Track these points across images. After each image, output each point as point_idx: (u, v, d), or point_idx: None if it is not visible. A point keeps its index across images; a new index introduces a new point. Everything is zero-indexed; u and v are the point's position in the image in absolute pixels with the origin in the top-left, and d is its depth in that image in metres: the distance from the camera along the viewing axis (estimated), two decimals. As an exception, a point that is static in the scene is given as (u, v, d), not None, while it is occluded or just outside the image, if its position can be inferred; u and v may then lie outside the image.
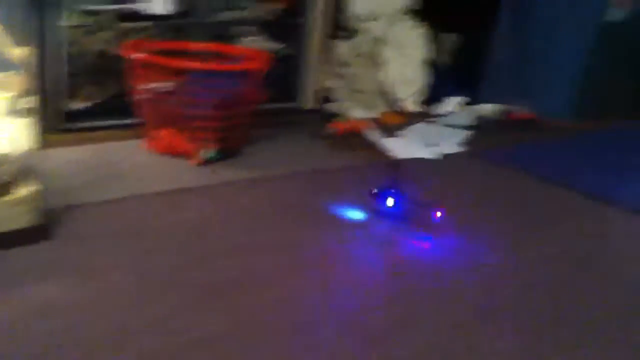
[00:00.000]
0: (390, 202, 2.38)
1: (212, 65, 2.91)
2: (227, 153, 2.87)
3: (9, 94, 2.44)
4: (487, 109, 4.16)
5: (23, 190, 1.96)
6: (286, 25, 3.70)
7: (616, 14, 4.07)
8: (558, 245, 2.35)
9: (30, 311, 1.63)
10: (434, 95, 4.12)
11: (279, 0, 3.68)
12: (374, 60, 3.94)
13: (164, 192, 2.49)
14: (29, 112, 2.67)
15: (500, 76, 4.38)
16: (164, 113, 2.82)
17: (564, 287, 2.04)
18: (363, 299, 1.86)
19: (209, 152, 2.78)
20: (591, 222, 2.62)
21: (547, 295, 1.97)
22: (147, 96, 2.83)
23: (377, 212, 2.40)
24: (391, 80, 3.95)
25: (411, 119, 3.85)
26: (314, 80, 3.84)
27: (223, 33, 3.44)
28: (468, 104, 4.20)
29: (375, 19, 3.86)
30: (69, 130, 3.02)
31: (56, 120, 2.99)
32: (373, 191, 2.42)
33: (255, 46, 3.44)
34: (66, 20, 2.95)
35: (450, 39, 4.57)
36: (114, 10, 3.11)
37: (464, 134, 3.65)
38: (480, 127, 3.83)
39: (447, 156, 3.29)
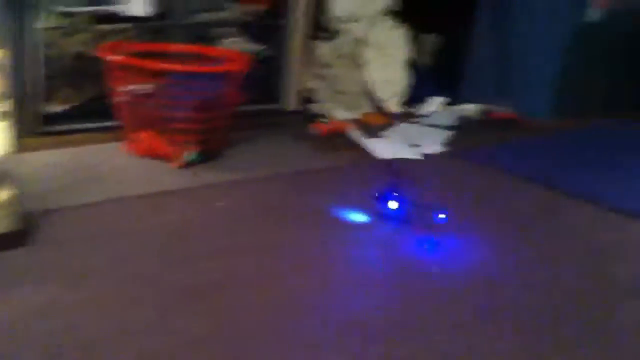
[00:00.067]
0: (393, 204, 2.36)
1: (191, 67, 2.88)
2: (208, 155, 2.85)
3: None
4: (468, 109, 4.20)
5: (0, 195, 1.92)
6: (267, 27, 3.69)
7: (594, 14, 4.12)
8: (552, 245, 2.36)
9: (11, 317, 1.59)
10: (415, 95, 4.13)
11: (260, 1, 3.67)
12: (355, 62, 3.94)
13: (144, 195, 2.46)
14: (4, 115, 2.62)
15: (481, 76, 4.42)
16: (144, 115, 2.79)
17: (562, 286, 2.06)
18: (350, 299, 1.86)
19: (190, 154, 2.75)
20: (576, 221, 2.64)
21: (547, 295, 1.98)
22: (126, 98, 2.80)
23: (380, 214, 2.38)
24: (373, 81, 3.96)
25: (393, 119, 3.86)
26: (296, 81, 3.83)
27: (203, 34, 3.42)
28: (449, 104, 4.22)
29: (356, 21, 3.87)
30: (47, 134, 2.97)
31: (33, 123, 2.94)
32: (376, 194, 2.40)
33: (236, 48, 3.42)
34: (42, 22, 2.90)
35: (431, 40, 4.60)
36: (90, 12, 3.07)
37: (446, 134, 3.67)
38: (462, 127, 3.86)
39: (429, 156, 3.30)
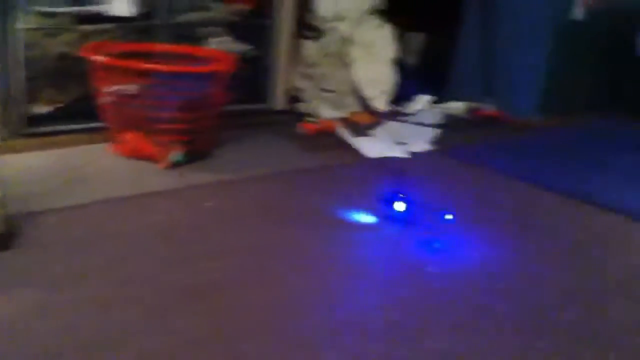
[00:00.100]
0: (400, 206, 2.34)
1: (175, 67, 2.87)
2: (195, 156, 2.83)
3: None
4: (454, 107, 4.21)
5: (-18, 198, 1.90)
6: (253, 26, 3.68)
7: (578, 13, 4.16)
8: (536, 241, 2.38)
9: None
10: (402, 94, 4.14)
11: (245, 0, 3.66)
12: (342, 61, 3.94)
13: (130, 197, 2.44)
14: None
15: (467, 74, 4.44)
16: (129, 116, 2.77)
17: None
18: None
19: (176, 155, 2.73)
20: (560, 217, 2.66)
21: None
22: (111, 99, 2.77)
23: (385, 216, 2.36)
24: (360, 80, 3.96)
25: (381, 118, 3.86)
26: (283, 81, 3.83)
27: (189, 34, 3.41)
28: (436, 102, 4.24)
29: (341, 20, 3.87)
30: (32, 135, 2.94)
31: (18, 125, 2.91)
32: (381, 196, 2.38)
33: (223, 48, 3.41)
34: (25, 23, 2.87)
35: (417, 39, 4.61)
36: (74, 12, 3.04)
37: (433, 132, 3.68)
38: (448, 125, 3.87)
39: (416, 155, 3.31)
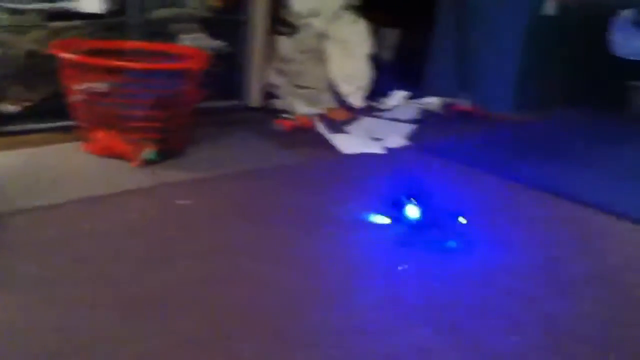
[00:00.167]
0: (412, 210, 2.30)
1: (147, 65, 2.83)
2: (168, 154, 2.80)
3: None
4: (430, 102, 4.24)
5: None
6: (228, 23, 3.65)
7: (549, 7, 4.21)
8: (517, 236, 2.39)
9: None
10: (377, 89, 4.15)
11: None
12: (317, 57, 3.93)
13: (103, 196, 2.41)
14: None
15: (442, 70, 4.46)
16: (100, 114, 2.73)
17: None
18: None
19: (149, 153, 2.70)
20: (535, 212, 2.68)
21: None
22: (81, 97, 2.73)
23: (400, 221, 2.32)
24: (335, 76, 3.96)
25: (356, 114, 3.87)
26: (258, 77, 3.80)
27: (161, 31, 3.36)
28: (411, 98, 4.26)
29: (316, 15, 3.86)
30: (1, 135, 2.88)
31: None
32: (392, 201, 2.35)
33: (196, 44, 3.37)
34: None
35: (392, 34, 4.63)
36: (42, 8, 2.98)
37: (408, 128, 3.70)
38: (424, 121, 3.89)
39: (392, 150, 3.32)
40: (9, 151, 2.77)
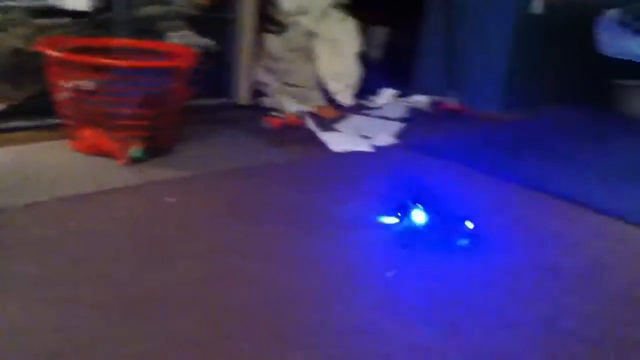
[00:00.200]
0: (418, 216, 2.25)
1: (134, 62, 2.81)
2: (156, 152, 2.79)
3: None
4: (418, 100, 4.25)
5: None
6: (216, 20, 3.64)
7: (537, 6, 4.23)
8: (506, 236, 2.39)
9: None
10: (366, 88, 4.16)
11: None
12: (306, 55, 3.93)
13: (90, 194, 2.39)
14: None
15: (430, 68, 4.48)
16: (87, 112, 2.71)
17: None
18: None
19: (136, 151, 2.69)
20: (525, 211, 2.68)
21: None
22: (68, 95, 2.71)
23: (406, 226, 2.27)
24: (324, 74, 3.96)
25: (345, 112, 3.87)
26: (247, 75, 3.80)
27: (148, 29, 3.34)
28: (400, 96, 4.27)
29: (305, 14, 3.86)
30: (-14, 133, 2.86)
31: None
32: (397, 207, 2.31)
33: (185, 42, 3.36)
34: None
35: (380, 33, 4.63)
36: (28, 5, 2.95)
37: (397, 126, 3.70)
38: (412, 119, 3.90)
39: (380, 148, 3.32)
40: (-5, 149, 2.75)
